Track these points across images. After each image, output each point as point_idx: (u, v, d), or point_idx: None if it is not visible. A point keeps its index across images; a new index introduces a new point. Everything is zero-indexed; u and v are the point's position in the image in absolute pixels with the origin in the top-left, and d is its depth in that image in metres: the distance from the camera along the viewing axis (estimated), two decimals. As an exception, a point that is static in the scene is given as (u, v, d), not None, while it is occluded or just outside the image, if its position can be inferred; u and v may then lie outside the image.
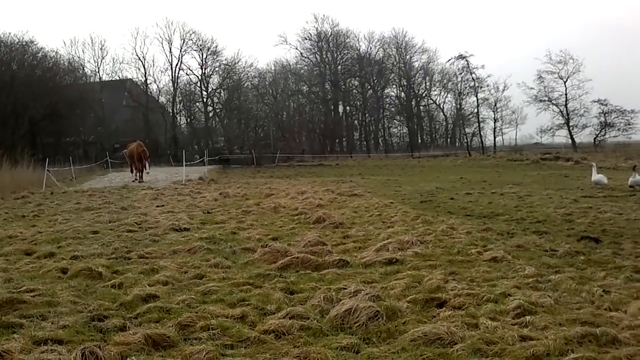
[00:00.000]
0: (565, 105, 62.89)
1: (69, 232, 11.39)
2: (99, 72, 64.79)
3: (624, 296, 6.11)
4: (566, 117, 63.00)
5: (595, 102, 61.38)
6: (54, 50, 57.89)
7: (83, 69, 63.62)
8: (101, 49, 65.63)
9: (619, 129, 60.84)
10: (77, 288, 6.84)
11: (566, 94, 62.77)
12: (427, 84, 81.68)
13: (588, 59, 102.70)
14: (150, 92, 66.04)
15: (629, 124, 60.04)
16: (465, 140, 73.37)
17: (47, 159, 28.74)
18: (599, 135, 61.86)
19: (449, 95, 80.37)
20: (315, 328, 5.29)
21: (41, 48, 52.65)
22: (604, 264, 7.79)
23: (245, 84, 72.43)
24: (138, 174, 28.90)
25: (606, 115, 61.10)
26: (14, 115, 46.81)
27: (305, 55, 76.60)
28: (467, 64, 64.34)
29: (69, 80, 55.61)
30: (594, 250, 8.70)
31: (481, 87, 65.63)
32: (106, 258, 8.71)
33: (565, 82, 62.73)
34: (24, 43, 50.37)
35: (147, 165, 29.17)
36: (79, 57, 63.58)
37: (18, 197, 19.95)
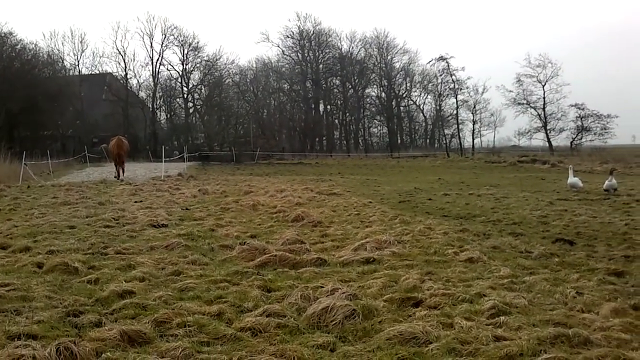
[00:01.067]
0: (543, 109, 63.61)
1: (45, 227, 11.29)
2: (78, 65, 64.43)
3: (596, 298, 6.20)
4: (544, 120, 63.72)
5: (572, 106, 62.23)
6: (33, 43, 57.42)
7: (62, 62, 63.18)
8: (81, 42, 65.17)
9: (595, 133, 61.61)
10: (52, 283, 6.79)
11: (544, 98, 63.57)
12: (408, 84, 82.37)
13: (567, 63, 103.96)
14: (130, 87, 65.77)
15: (605, 129, 60.83)
16: (444, 142, 73.87)
17: (25, 152, 28.43)
18: (576, 139, 62.61)
19: (428, 97, 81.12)
20: (292, 326, 5.30)
21: (20, 40, 52.22)
22: (577, 266, 7.89)
23: (227, 81, 72.45)
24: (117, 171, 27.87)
25: (583, 119, 61.87)
26: (-9, 107, 46.25)
27: (287, 54, 76.82)
28: (448, 65, 64.81)
29: (47, 73, 55.09)
30: (568, 253, 8.80)
31: (461, 89, 66.18)
32: (82, 253, 8.65)
33: (543, 86, 63.53)
34: (3, 35, 49.87)
35: (121, 171, 27.64)
36: (58, 50, 63.20)
37: (-7, 191, 19.72)
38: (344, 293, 6.05)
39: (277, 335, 5.10)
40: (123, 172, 27.86)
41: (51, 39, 78.85)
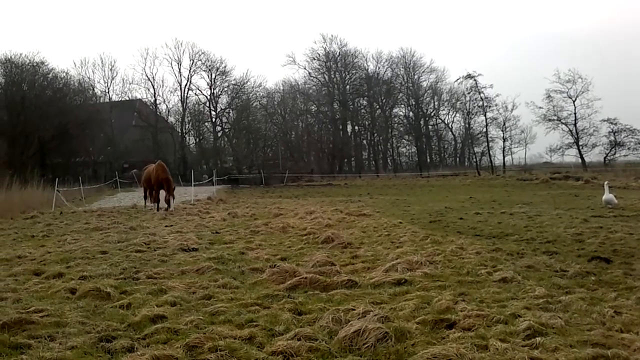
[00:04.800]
0: (575, 125, 62.72)
1: (77, 252, 11.41)
2: (108, 92, 65.58)
3: (635, 317, 6.04)
4: (575, 136, 62.79)
5: (604, 121, 61.15)
6: (64, 71, 58.71)
7: (93, 89, 64.37)
8: (111, 69, 66.40)
9: (629, 148, 60.43)
10: (85, 308, 6.84)
11: (575, 113, 62.63)
12: (436, 103, 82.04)
13: (597, 78, 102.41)
14: (160, 112, 66.68)
15: (640, 143, 59.76)
16: (474, 160, 73.30)
17: (57, 179, 28.90)
18: (609, 155, 61.56)
19: (457, 115, 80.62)
20: (324, 349, 5.25)
21: (52, 69, 53.32)
22: (615, 284, 7.72)
23: (254, 104, 73.06)
24: (154, 202, 23.16)
25: (616, 134, 60.79)
26: (24, 135, 47.17)
27: (314, 75, 77.13)
28: (476, 83, 64.29)
29: (79, 101, 56.09)
30: (604, 271, 8.62)
31: (490, 106, 65.51)
32: (114, 278, 8.72)
33: (574, 101, 62.61)
34: (35, 64, 50.98)
35: (171, 201, 22.23)
36: (89, 78, 64.41)
37: (27, 217, 20.06)
38: (375, 315, 5.99)
39: (309, 359, 5.06)
40: (170, 205, 22.32)
41: (82, 67, 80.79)
